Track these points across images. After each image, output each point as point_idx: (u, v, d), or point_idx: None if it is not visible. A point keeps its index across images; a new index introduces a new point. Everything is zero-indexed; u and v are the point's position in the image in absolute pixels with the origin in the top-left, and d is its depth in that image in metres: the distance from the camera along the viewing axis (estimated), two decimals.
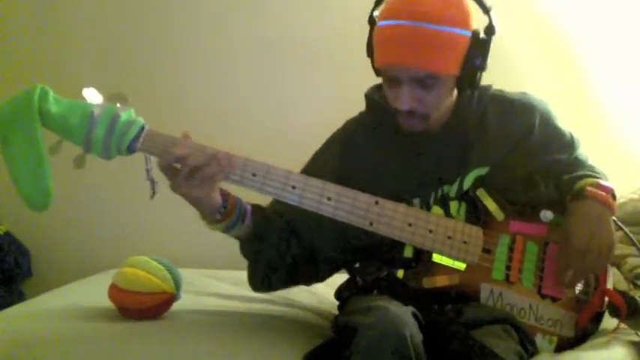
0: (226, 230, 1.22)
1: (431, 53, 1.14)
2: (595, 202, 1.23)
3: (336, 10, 2.15)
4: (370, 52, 1.25)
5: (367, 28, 1.26)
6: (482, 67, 1.19)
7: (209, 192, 1.14)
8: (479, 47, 1.17)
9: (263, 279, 1.31)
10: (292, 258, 1.29)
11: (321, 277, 1.39)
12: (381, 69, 1.22)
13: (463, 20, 1.16)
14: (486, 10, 1.19)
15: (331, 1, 2.18)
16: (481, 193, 1.27)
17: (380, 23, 1.20)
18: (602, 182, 1.27)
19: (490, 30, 1.18)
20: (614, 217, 1.26)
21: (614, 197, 1.26)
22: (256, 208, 1.28)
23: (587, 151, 1.42)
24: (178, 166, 1.12)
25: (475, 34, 1.17)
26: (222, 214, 1.19)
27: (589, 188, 1.25)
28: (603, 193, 1.24)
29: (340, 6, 2.14)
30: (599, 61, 2.14)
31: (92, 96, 1.14)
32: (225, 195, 1.20)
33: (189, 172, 1.11)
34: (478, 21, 1.19)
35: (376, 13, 1.23)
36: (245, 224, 1.23)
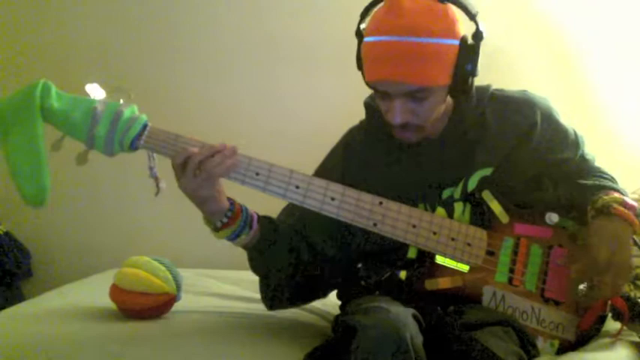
0: (234, 237, 1.22)
1: (420, 68, 1.13)
2: (621, 220, 1.21)
3: (335, 12, 2.16)
4: (360, 66, 1.24)
5: None
6: (473, 73, 1.18)
7: (215, 188, 1.15)
8: (468, 54, 1.16)
9: (275, 292, 1.30)
10: (305, 268, 1.29)
11: (335, 284, 1.38)
12: (371, 84, 1.22)
13: (450, 30, 1.15)
14: (472, 17, 1.18)
15: (330, 2, 2.18)
16: (486, 195, 1.26)
17: (367, 39, 1.19)
18: (628, 200, 1.24)
19: (478, 36, 1.17)
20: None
21: (637, 215, 1.24)
22: (263, 217, 1.27)
23: (590, 151, 1.41)
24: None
25: (463, 41, 1.16)
26: (229, 218, 1.19)
27: (616, 206, 1.22)
28: (630, 213, 1.22)
29: (339, 7, 2.14)
30: (600, 61, 2.14)
31: (95, 92, 1.14)
32: (231, 201, 1.20)
33: (196, 167, 1.11)
34: (467, 24, 1.18)
35: (363, 26, 1.22)
36: (252, 231, 1.23)
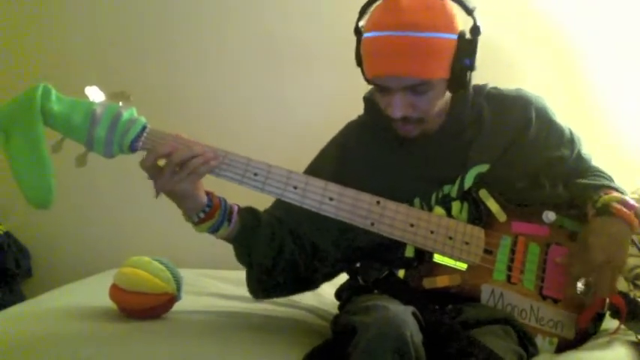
0: (213, 231, 1.22)
1: (420, 61, 1.15)
2: (620, 220, 1.21)
3: (335, 11, 2.16)
4: (359, 62, 1.25)
5: None
6: (471, 68, 1.20)
7: (194, 185, 1.15)
8: (466, 49, 1.18)
9: (259, 283, 1.31)
10: (290, 258, 1.29)
11: (325, 278, 1.38)
12: (371, 80, 1.23)
13: (448, 24, 1.17)
14: (469, 12, 1.19)
15: (330, 2, 2.18)
16: (483, 193, 1.27)
17: (366, 35, 1.20)
18: (628, 199, 1.25)
19: (475, 31, 1.19)
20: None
21: (637, 215, 1.24)
22: (244, 209, 1.27)
23: (587, 150, 1.41)
24: (161, 163, 1.13)
25: (461, 35, 1.18)
26: (207, 212, 1.19)
27: (616, 205, 1.22)
28: (629, 212, 1.22)
29: (339, 6, 2.14)
30: (598, 60, 2.14)
31: (94, 94, 1.14)
32: (209, 195, 1.20)
33: (176, 166, 1.11)
34: (464, 19, 1.20)
35: (361, 23, 1.23)
36: (232, 224, 1.23)
